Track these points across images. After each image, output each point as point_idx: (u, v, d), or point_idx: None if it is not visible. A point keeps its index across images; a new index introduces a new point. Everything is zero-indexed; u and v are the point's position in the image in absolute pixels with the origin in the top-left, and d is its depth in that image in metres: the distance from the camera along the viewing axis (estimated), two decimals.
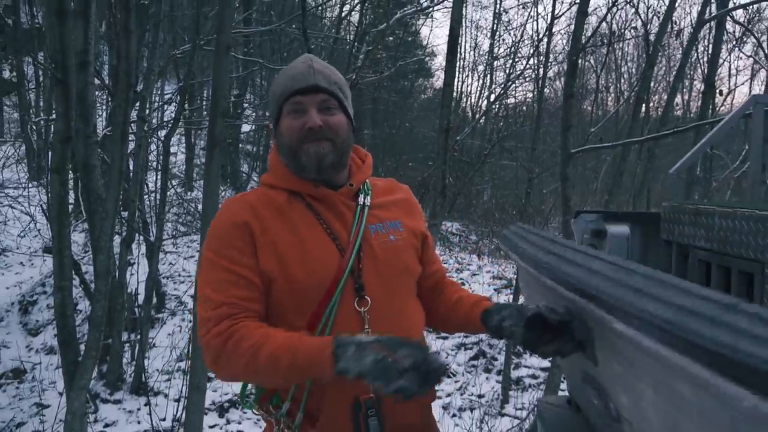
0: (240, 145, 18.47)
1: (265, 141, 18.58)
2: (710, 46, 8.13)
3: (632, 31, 9.37)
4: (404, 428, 1.56)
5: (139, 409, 6.44)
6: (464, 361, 7.89)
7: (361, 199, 1.61)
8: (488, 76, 18.70)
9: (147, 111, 8.72)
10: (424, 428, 1.66)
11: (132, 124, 7.34)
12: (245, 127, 18.03)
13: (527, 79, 13.71)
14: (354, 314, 1.50)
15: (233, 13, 4.64)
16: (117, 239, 7.51)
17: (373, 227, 1.59)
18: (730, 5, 8.08)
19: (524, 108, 16.43)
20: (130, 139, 7.42)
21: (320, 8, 16.87)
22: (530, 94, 15.39)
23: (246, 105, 17.87)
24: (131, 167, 7.54)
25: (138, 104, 7.81)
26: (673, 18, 8.49)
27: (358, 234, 1.55)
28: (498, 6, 19.54)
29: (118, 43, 5.63)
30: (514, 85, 13.02)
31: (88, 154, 5.84)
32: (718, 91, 8.57)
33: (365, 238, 1.56)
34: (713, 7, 8.36)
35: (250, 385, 1.63)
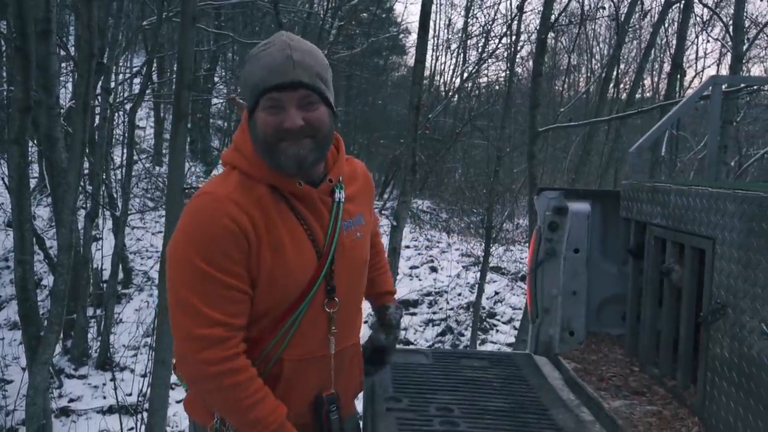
0: (211, 121, 18.18)
1: (236, 117, 18.33)
2: (681, 27, 8.22)
3: (601, 11, 9.46)
4: (349, 418, 1.68)
5: (104, 384, 6.39)
6: (432, 337, 7.99)
7: (336, 194, 1.56)
8: (461, 54, 18.66)
9: (112, 83, 8.52)
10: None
11: (98, 97, 7.17)
12: (216, 103, 17.77)
13: (499, 59, 13.72)
14: (322, 315, 1.53)
15: None
16: (82, 213, 7.39)
17: (345, 224, 1.57)
18: None
19: (497, 87, 16.46)
20: (96, 112, 7.27)
21: None
22: (503, 74, 15.42)
23: (217, 79, 17.58)
24: (96, 140, 7.38)
25: (104, 76, 7.63)
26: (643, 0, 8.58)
27: (333, 236, 1.52)
28: None
29: (80, 12, 5.47)
30: (486, 63, 13.01)
31: (50, 125, 5.70)
32: (680, 72, 8.69)
33: (339, 238, 1.54)
34: None
35: None
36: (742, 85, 5.11)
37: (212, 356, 1.38)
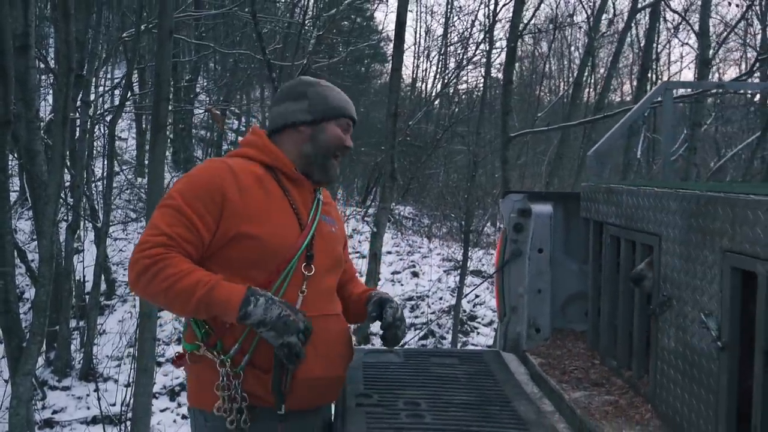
0: (193, 131, 18.18)
1: (220, 129, 18.33)
2: (649, 32, 8.44)
3: (569, 18, 9.68)
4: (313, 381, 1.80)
5: (88, 395, 6.43)
6: (414, 341, 8.09)
7: (318, 194, 1.94)
8: (441, 61, 18.88)
9: (92, 95, 8.57)
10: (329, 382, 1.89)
11: (78, 110, 7.22)
12: (198, 113, 17.78)
13: (477, 66, 13.91)
14: (299, 274, 1.79)
15: None
16: (64, 226, 7.41)
17: (323, 217, 1.91)
18: None
19: (477, 94, 16.65)
20: (77, 125, 7.31)
21: None
22: (482, 80, 15.62)
23: (199, 89, 17.60)
24: (77, 152, 7.42)
25: (83, 89, 7.67)
26: (614, 6, 8.77)
27: (315, 217, 1.87)
28: None
29: (58, 25, 5.54)
30: (465, 71, 13.19)
31: (30, 138, 5.76)
32: (649, 76, 8.93)
33: (319, 222, 1.87)
34: None
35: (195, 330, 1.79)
36: (700, 90, 5.29)
37: (151, 253, 1.64)
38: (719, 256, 1.85)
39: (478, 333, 8.65)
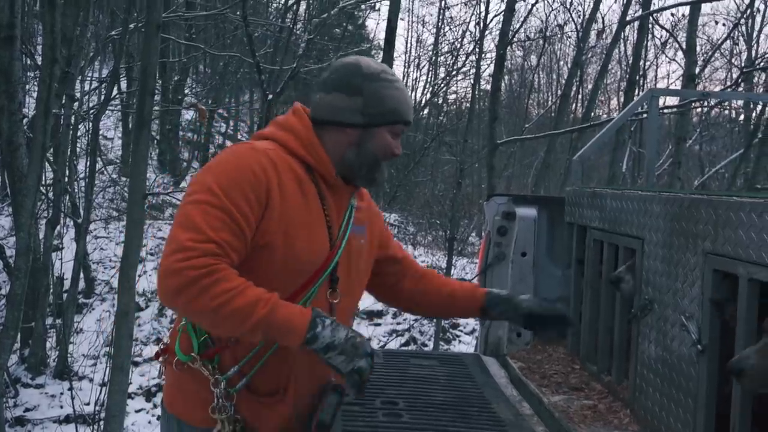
0: (180, 132, 18.06)
1: (206, 129, 18.24)
2: (637, 46, 8.56)
3: (557, 29, 9.78)
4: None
5: (62, 394, 6.30)
6: (396, 347, 8.04)
7: (352, 200, 1.69)
8: (431, 70, 18.95)
9: (76, 91, 8.47)
10: None
11: (63, 105, 7.14)
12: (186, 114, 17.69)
13: (466, 76, 13.97)
14: (325, 304, 1.59)
15: None
16: (44, 221, 7.30)
17: (356, 228, 1.67)
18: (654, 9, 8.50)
19: (465, 105, 16.73)
20: (60, 120, 7.22)
21: None
22: (471, 90, 15.69)
23: (187, 91, 17.50)
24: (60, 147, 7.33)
25: (69, 84, 7.58)
26: (603, 20, 8.87)
27: (345, 231, 1.63)
28: (443, 3, 19.76)
29: (45, 18, 5.48)
30: (454, 80, 13.25)
31: (12, 131, 5.67)
32: (635, 89, 9.02)
33: (349, 236, 1.64)
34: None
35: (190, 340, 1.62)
36: (686, 101, 5.33)
37: (200, 262, 1.39)
38: (701, 259, 1.84)
39: (460, 341, 8.62)
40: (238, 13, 12.23)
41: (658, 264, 2.09)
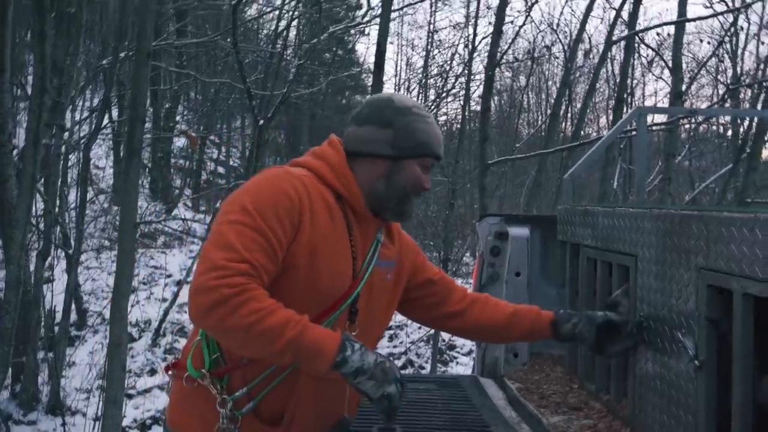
0: (172, 160, 18.07)
1: (198, 155, 18.27)
2: (623, 65, 8.68)
3: (545, 50, 9.92)
4: None
5: (54, 430, 6.21)
6: None
7: (379, 234, 1.70)
8: (421, 93, 19.09)
9: (66, 120, 8.47)
10: None
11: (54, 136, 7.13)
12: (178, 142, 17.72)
13: (456, 98, 14.10)
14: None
15: (153, 21, 4.63)
16: (36, 253, 7.24)
17: (381, 262, 1.67)
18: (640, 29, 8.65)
19: (456, 126, 16.83)
20: (51, 150, 7.21)
21: (254, 22, 16.83)
22: (461, 112, 15.82)
23: (178, 118, 17.54)
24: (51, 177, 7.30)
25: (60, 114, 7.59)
26: (589, 40, 9.00)
27: (370, 264, 1.63)
28: (432, 26, 20.02)
29: (35, 49, 5.50)
30: (445, 101, 13.36)
31: (2, 163, 5.65)
32: (623, 107, 9.15)
33: (372, 270, 1.64)
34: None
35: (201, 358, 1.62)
36: (674, 118, 5.38)
37: (234, 281, 1.39)
38: (695, 274, 1.83)
39: (457, 363, 8.56)
40: (228, 40, 12.35)
41: (652, 280, 2.08)
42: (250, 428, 1.55)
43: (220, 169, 20.17)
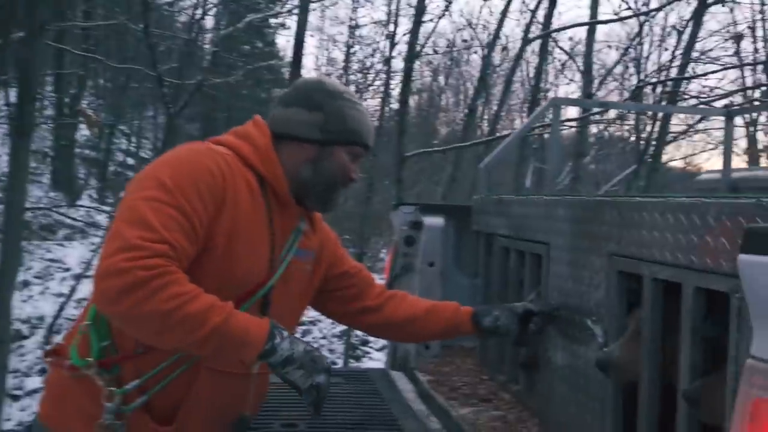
0: (77, 150, 17.04)
1: (106, 145, 17.35)
2: (538, 67, 8.98)
3: (463, 43, 10.13)
4: None
5: None
6: None
7: (301, 223, 1.60)
8: None
9: None
10: None
11: None
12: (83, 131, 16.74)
13: (376, 93, 14.10)
14: None
15: None
16: None
17: (301, 252, 1.59)
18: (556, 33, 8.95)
19: (375, 122, 16.84)
20: None
21: (167, 8, 16.15)
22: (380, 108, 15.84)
23: (85, 104, 16.58)
24: None
25: None
26: (506, 39, 9.23)
27: (288, 254, 1.55)
28: (354, 22, 19.92)
29: None
30: (364, 97, 13.34)
31: None
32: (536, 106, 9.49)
33: (290, 260, 1.55)
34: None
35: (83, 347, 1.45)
36: (585, 114, 5.54)
37: (151, 263, 1.26)
38: (606, 261, 1.81)
39: (370, 358, 8.51)
40: (140, 24, 11.74)
41: (564, 268, 2.06)
42: (137, 426, 1.39)
43: (130, 161, 19.24)
